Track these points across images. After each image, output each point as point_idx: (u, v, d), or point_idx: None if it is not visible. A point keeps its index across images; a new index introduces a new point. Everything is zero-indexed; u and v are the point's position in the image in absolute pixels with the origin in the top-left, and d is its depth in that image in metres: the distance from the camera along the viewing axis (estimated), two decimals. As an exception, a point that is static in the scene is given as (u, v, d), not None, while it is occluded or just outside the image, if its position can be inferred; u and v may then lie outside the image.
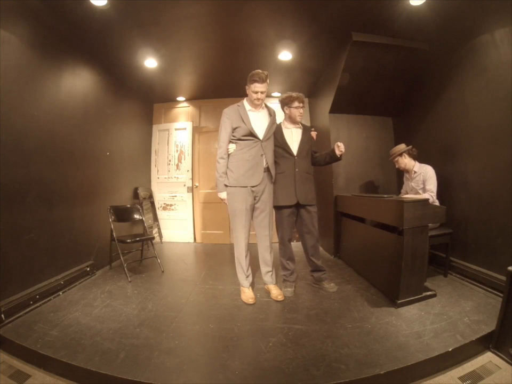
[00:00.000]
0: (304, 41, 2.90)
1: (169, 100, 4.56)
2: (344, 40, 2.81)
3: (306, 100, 4.46)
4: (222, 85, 4.03)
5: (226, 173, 2.24)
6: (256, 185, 2.21)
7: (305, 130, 2.44)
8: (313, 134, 2.49)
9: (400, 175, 3.49)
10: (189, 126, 4.58)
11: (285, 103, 2.37)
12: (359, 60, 2.87)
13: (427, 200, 2.10)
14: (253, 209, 2.28)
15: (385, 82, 3.14)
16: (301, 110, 2.34)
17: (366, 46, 2.73)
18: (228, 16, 2.53)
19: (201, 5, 2.36)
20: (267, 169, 2.25)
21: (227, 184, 2.24)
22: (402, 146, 2.68)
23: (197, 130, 4.57)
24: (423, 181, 2.54)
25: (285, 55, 3.16)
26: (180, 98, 4.55)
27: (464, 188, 2.50)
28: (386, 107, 3.46)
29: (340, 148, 2.27)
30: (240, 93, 4.26)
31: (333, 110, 3.42)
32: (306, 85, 4.01)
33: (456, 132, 2.60)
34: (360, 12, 2.43)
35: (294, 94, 2.33)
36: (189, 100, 4.61)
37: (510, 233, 2.07)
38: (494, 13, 2.12)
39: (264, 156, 2.22)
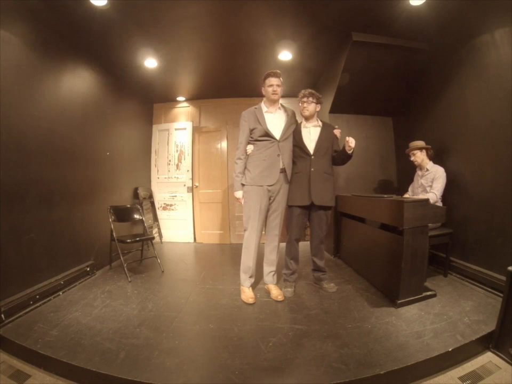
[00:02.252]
0: (304, 41, 2.90)
1: (169, 100, 4.56)
2: (344, 40, 2.81)
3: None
4: (222, 85, 4.03)
5: (243, 173, 2.29)
6: (272, 185, 2.23)
7: (325, 129, 2.37)
8: (337, 132, 2.39)
9: (400, 174, 3.50)
10: (189, 126, 4.58)
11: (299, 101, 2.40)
12: (359, 60, 2.87)
13: (427, 200, 2.10)
14: (267, 210, 2.30)
15: (385, 82, 3.14)
16: (305, 105, 2.31)
17: (366, 46, 2.73)
18: (228, 16, 2.53)
19: (201, 5, 2.36)
20: (283, 170, 2.26)
21: (244, 183, 2.28)
22: (423, 143, 2.66)
23: (197, 130, 4.57)
24: (432, 180, 2.55)
25: (285, 55, 3.16)
26: (180, 98, 4.55)
27: (464, 187, 2.50)
28: (386, 107, 3.46)
29: (348, 142, 2.18)
30: (240, 93, 4.29)
31: (333, 110, 3.42)
32: (306, 85, 3.98)
33: (456, 132, 2.60)
34: (360, 11, 2.43)
35: (302, 91, 2.34)
36: (189, 99, 4.61)
37: (510, 233, 2.06)
38: (494, 13, 2.12)
39: (280, 156, 2.24)
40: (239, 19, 2.56)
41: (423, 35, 2.66)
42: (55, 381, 1.47)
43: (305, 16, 2.52)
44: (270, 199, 2.27)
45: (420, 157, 2.66)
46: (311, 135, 2.34)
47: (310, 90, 2.34)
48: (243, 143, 2.29)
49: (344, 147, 2.25)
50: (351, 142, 2.17)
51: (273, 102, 2.28)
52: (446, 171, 2.52)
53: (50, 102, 2.43)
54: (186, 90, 4.29)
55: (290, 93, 3.44)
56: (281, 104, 2.36)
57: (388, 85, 3.16)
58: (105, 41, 2.80)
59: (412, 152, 2.71)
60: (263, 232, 2.35)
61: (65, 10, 2.30)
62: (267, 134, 2.23)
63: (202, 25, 2.64)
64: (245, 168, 2.29)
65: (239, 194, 2.30)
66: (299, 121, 2.44)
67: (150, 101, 4.58)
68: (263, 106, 2.31)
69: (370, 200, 2.64)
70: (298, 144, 2.32)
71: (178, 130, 4.59)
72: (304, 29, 2.71)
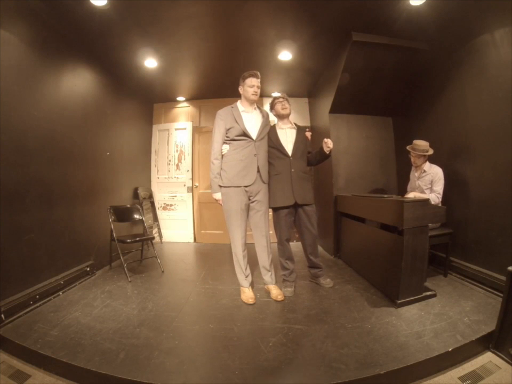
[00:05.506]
0: (304, 41, 2.90)
1: (169, 99, 4.56)
2: (344, 40, 2.81)
3: (306, 100, 4.47)
4: (222, 85, 4.03)
5: (220, 174, 2.26)
6: (250, 185, 2.22)
7: (300, 131, 2.45)
8: (308, 134, 2.50)
9: (400, 174, 3.49)
10: (189, 126, 4.58)
11: (271, 107, 2.52)
12: (359, 60, 2.87)
13: (427, 200, 2.10)
14: (248, 209, 2.29)
15: (385, 82, 3.14)
16: (284, 103, 2.40)
17: (366, 46, 2.73)
18: (228, 16, 2.52)
19: (201, 5, 2.36)
20: (258, 170, 2.25)
21: (221, 184, 2.25)
22: (427, 145, 2.57)
23: (197, 130, 4.57)
24: (431, 181, 2.54)
25: (285, 55, 3.16)
26: (180, 98, 4.55)
27: (464, 187, 2.49)
28: (386, 107, 3.46)
29: (327, 144, 2.27)
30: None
31: (333, 110, 3.42)
32: (306, 85, 4.01)
33: (456, 132, 2.60)
34: (360, 12, 2.42)
35: (275, 94, 2.48)
36: (189, 99, 4.61)
37: (510, 233, 2.06)
38: (494, 13, 2.12)
39: (257, 156, 2.23)
40: (239, 19, 2.56)
41: (423, 35, 2.66)
42: (55, 381, 1.47)
43: (305, 16, 2.52)
44: (249, 198, 2.27)
45: (420, 161, 2.62)
46: (287, 136, 2.39)
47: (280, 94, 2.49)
48: (219, 142, 2.25)
49: (321, 148, 2.32)
50: (330, 143, 2.27)
51: (251, 102, 2.29)
52: (446, 171, 2.52)
53: (50, 102, 2.44)
54: (186, 90, 4.28)
55: (290, 93, 3.43)
56: (257, 105, 2.38)
57: (388, 85, 3.16)
58: (105, 41, 2.79)
59: (417, 153, 2.57)
60: (251, 232, 2.34)
61: (65, 10, 2.30)
62: (244, 134, 2.21)
63: (202, 25, 2.64)
64: (221, 168, 2.26)
65: (218, 196, 2.28)
66: (272, 124, 2.49)
67: (150, 101, 4.58)
68: (240, 105, 2.30)
69: (370, 200, 2.64)
70: (275, 145, 2.35)
71: (178, 130, 4.60)
72: (304, 29, 2.71)
